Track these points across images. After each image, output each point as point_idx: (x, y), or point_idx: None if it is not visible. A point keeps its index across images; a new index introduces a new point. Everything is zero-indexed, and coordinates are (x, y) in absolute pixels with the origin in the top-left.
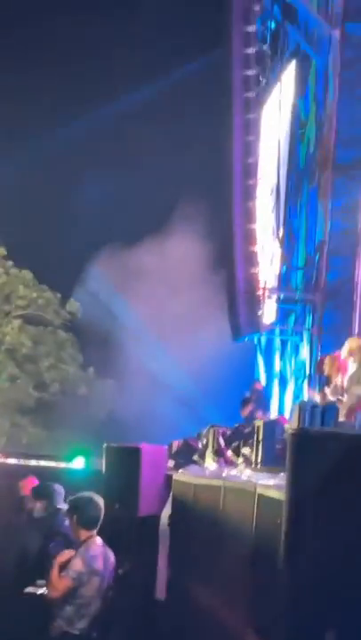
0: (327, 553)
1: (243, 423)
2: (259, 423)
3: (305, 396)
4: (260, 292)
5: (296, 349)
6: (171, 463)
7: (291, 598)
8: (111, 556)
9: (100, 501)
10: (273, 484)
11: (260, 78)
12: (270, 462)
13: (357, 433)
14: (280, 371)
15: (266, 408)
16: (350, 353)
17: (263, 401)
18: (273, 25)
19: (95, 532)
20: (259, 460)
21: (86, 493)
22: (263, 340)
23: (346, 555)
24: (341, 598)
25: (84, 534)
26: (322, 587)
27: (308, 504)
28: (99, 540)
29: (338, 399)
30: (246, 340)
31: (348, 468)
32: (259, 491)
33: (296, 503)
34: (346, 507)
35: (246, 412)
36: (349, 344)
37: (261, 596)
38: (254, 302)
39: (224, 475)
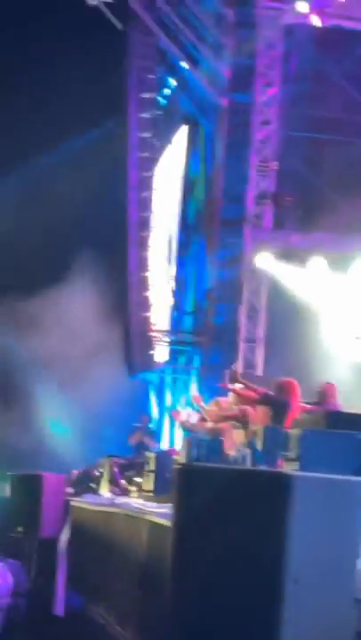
0: (209, 575)
1: (135, 454)
2: (151, 455)
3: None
4: (153, 335)
5: (186, 386)
6: (70, 490)
7: (177, 618)
8: (9, 576)
9: None
10: (161, 512)
11: (154, 140)
12: (162, 491)
13: (232, 468)
14: (171, 406)
15: (153, 437)
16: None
17: (150, 431)
18: (167, 92)
19: None
20: (151, 489)
21: None
22: (156, 377)
23: (225, 577)
24: (223, 618)
25: None
26: (205, 607)
27: (193, 531)
28: None
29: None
30: (140, 377)
31: (226, 499)
32: (148, 518)
33: (181, 530)
34: (224, 534)
35: (134, 440)
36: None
37: (150, 616)
38: (148, 343)
39: (117, 502)
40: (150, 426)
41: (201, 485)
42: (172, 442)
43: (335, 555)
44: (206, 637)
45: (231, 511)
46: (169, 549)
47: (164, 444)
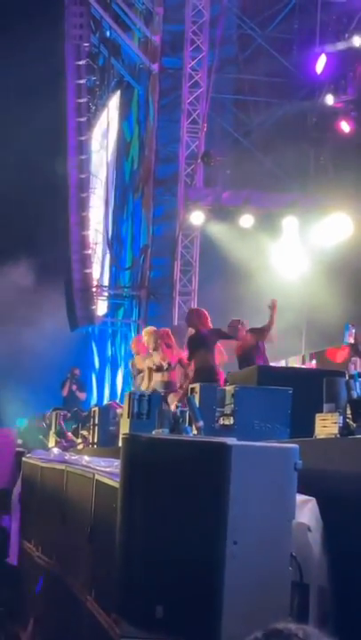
0: (155, 536)
1: (67, 404)
2: (95, 408)
3: None
4: (93, 290)
5: (125, 338)
6: (19, 441)
7: (124, 572)
8: None
9: None
10: (109, 472)
11: (90, 105)
12: (105, 442)
13: (175, 439)
14: (111, 356)
15: (83, 389)
16: (147, 342)
17: (81, 383)
18: (101, 59)
19: None
20: (95, 441)
21: None
22: (97, 330)
23: (170, 540)
24: (166, 571)
25: None
26: (151, 565)
27: (139, 495)
28: None
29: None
30: (82, 331)
31: (170, 467)
32: (97, 477)
33: (129, 493)
34: (169, 499)
35: (65, 391)
36: (143, 335)
37: (99, 569)
38: (89, 298)
39: (67, 459)
40: (80, 377)
41: (146, 454)
42: (113, 391)
43: (272, 516)
44: (152, 593)
45: (175, 479)
46: (116, 508)
47: (107, 395)
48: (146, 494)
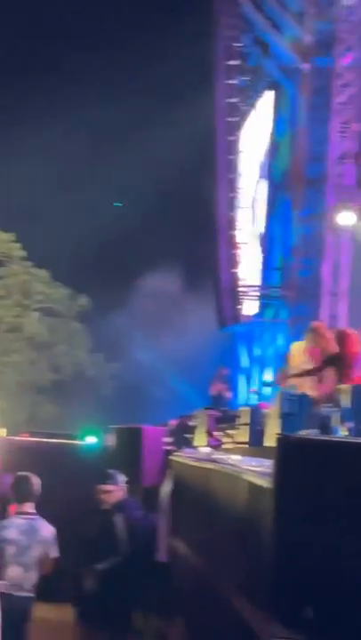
0: (306, 535)
1: (215, 403)
2: (243, 408)
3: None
4: (241, 290)
5: (274, 338)
6: (168, 440)
7: (275, 572)
8: (42, 528)
9: (35, 480)
10: (259, 471)
11: (241, 105)
12: (254, 442)
13: (327, 440)
14: (259, 357)
15: (230, 388)
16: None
17: (228, 382)
18: (252, 60)
19: (26, 505)
20: (245, 440)
21: (23, 473)
22: (245, 330)
23: (320, 537)
24: (318, 572)
25: (15, 508)
26: (302, 562)
27: (291, 494)
28: (27, 511)
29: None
30: (230, 331)
31: (320, 467)
32: (246, 477)
33: (281, 493)
34: (319, 496)
35: (214, 390)
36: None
37: (248, 568)
38: (235, 298)
39: (215, 457)
40: (227, 377)
41: (299, 454)
42: (260, 392)
43: None
44: (303, 594)
45: (327, 479)
46: (268, 509)
47: (243, 393)
48: (298, 495)
